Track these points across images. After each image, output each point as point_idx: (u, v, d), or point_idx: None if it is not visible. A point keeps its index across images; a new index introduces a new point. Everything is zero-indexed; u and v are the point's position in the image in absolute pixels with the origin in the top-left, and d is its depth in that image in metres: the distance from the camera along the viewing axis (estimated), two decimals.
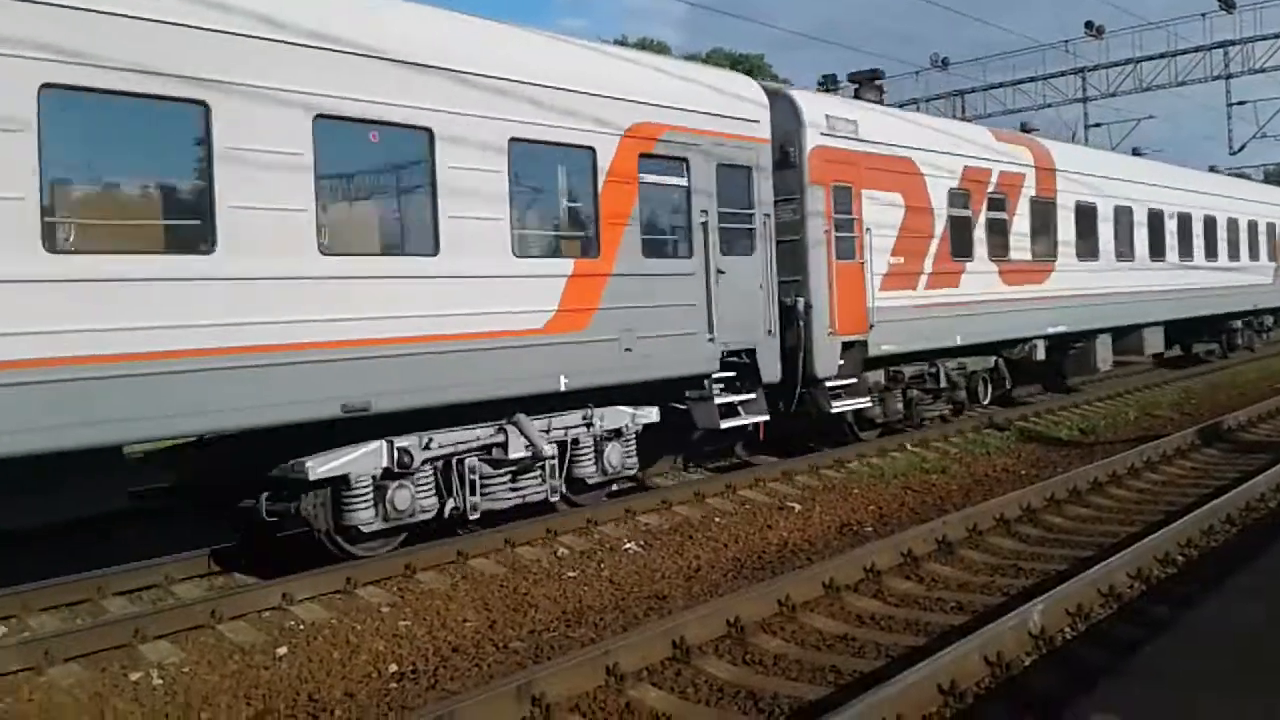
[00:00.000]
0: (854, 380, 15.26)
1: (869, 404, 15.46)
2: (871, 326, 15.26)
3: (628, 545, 10.71)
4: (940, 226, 16.93)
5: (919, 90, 41.50)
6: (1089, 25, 38.25)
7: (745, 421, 13.23)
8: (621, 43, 50.29)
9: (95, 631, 8.00)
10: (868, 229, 15.25)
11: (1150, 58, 38.83)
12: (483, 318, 10.10)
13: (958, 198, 17.44)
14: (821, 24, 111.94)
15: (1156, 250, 24.17)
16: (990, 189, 18.22)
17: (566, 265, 11.06)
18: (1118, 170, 22.98)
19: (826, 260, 14.56)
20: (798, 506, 12.38)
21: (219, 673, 7.53)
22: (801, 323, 14.26)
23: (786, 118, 14.41)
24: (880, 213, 15.57)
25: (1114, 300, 21.94)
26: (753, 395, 13.47)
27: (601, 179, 11.37)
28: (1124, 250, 22.76)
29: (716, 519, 11.75)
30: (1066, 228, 20.46)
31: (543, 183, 11.18)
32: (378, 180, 9.88)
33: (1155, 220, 24.16)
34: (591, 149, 11.30)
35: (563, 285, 10.94)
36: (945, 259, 17.00)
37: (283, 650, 7.92)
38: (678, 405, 13.03)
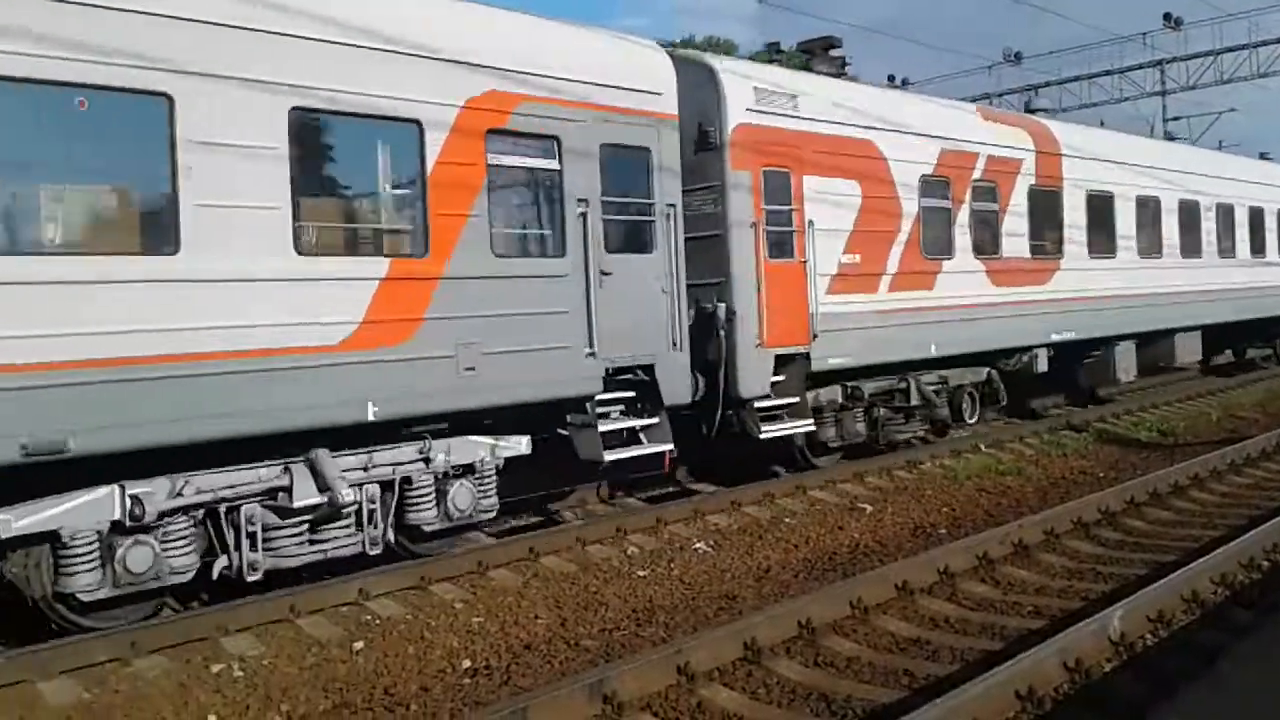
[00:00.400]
0: (794, 400, 12.98)
1: (811, 427, 13.16)
2: (815, 336, 12.99)
3: (697, 545, 10.66)
4: (910, 220, 14.59)
5: (990, 85, 40.70)
6: (1167, 17, 36.43)
7: (639, 452, 11.05)
8: (688, 42, 47.87)
9: (180, 624, 8.08)
10: (811, 222, 12.98)
11: (1231, 49, 36.98)
12: (245, 331, 8.07)
13: (933, 186, 15.08)
14: (892, 18, 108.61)
15: (1191, 246, 21.45)
16: (976, 176, 15.81)
17: (378, 266, 8.98)
18: (1141, 156, 20.34)
19: (755, 259, 12.34)
20: (869, 508, 12.25)
21: (298, 665, 7.65)
22: (722, 333, 12.06)
23: (704, 91, 12.23)
24: (829, 203, 13.30)
25: (1137, 302, 19.35)
26: (655, 420, 11.29)
27: (431, 160, 9.29)
28: (1149, 246, 20.13)
29: (786, 519, 11.65)
30: (1075, 221, 17.93)
31: (342, 164, 9.14)
32: (86, 160, 7.83)
33: (1189, 212, 21.45)
34: (416, 123, 9.23)
35: (372, 290, 8.87)
36: (916, 257, 14.65)
37: (359, 645, 8.02)
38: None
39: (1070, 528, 10.43)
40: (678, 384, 11.36)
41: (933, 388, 15.37)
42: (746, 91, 12.40)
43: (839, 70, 15.09)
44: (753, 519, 11.62)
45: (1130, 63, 38.96)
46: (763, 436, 12.47)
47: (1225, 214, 22.74)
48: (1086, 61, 39.67)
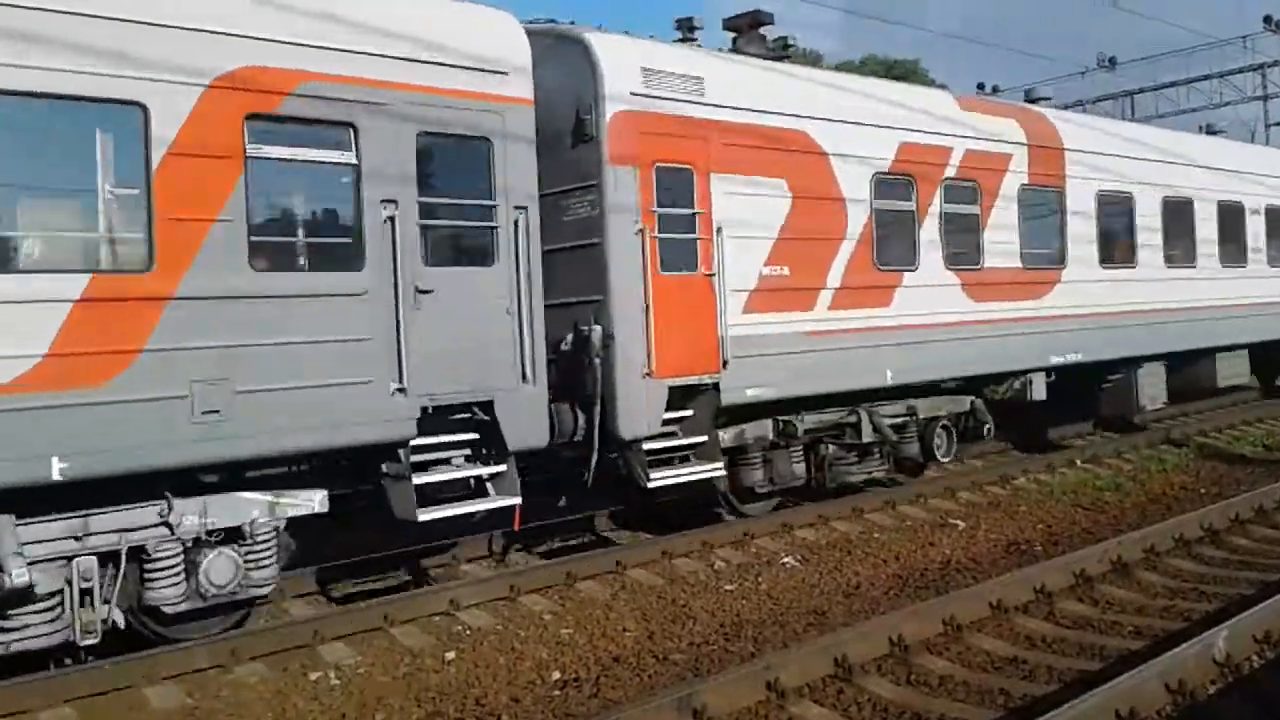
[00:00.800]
0: (699, 440, 10.89)
1: (718, 472, 11.03)
2: (726, 364, 10.88)
3: (785, 560, 10.60)
4: (859, 224, 12.40)
5: (1084, 91, 38.99)
6: (1268, 20, 34.68)
7: (467, 509, 9.07)
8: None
9: (278, 632, 8.29)
10: (720, 228, 10.89)
11: None
12: None
13: (891, 186, 12.87)
14: (983, 24, 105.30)
15: (1234, 254, 18.83)
16: (949, 174, 13.54)
17: (71, 284, 7.11)
18: (1170, 151, 17.79)
19: (641, 271, 10.29)
20: (961, 523, 12.09)
21: (391, 674, 7.79)
22: (597, 361, 10.01)
23: (580, 71, 10.23)
24: (746, 206, 11.21)
25: (1165, 318, 16.87)
26: (502, 467, 9.30)
27: (158, 153, 7.43)
28: (1181, 254, 17.60)
29: (876, 535, 11.59)
30: (1081, 226, 15.52)
31: (29, 158, 7.28)
32: None
33: (1231, 216, 18.83)
34: (139, 106, 7.36)
35: (61, 315, 7.02)
36: (867, 268, 12.45)
37: (451, 655, 8.12)
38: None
39: (1172, 545, 10.17)
40: (528, 424, 9.35)
41: (896, 420, 13.14)
42: (631, 72, 10.35)
43: (774, 51, 12.93)
44: (841, 534, 11.59)
45: (1230, 67, 37.31)
46: (650, 485, 10.40)
47: (1275, 218, 20.01)
48: (1184, 66, 37.96)
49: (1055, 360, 14.90)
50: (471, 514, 9.10)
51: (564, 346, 10.25)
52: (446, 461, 9.31)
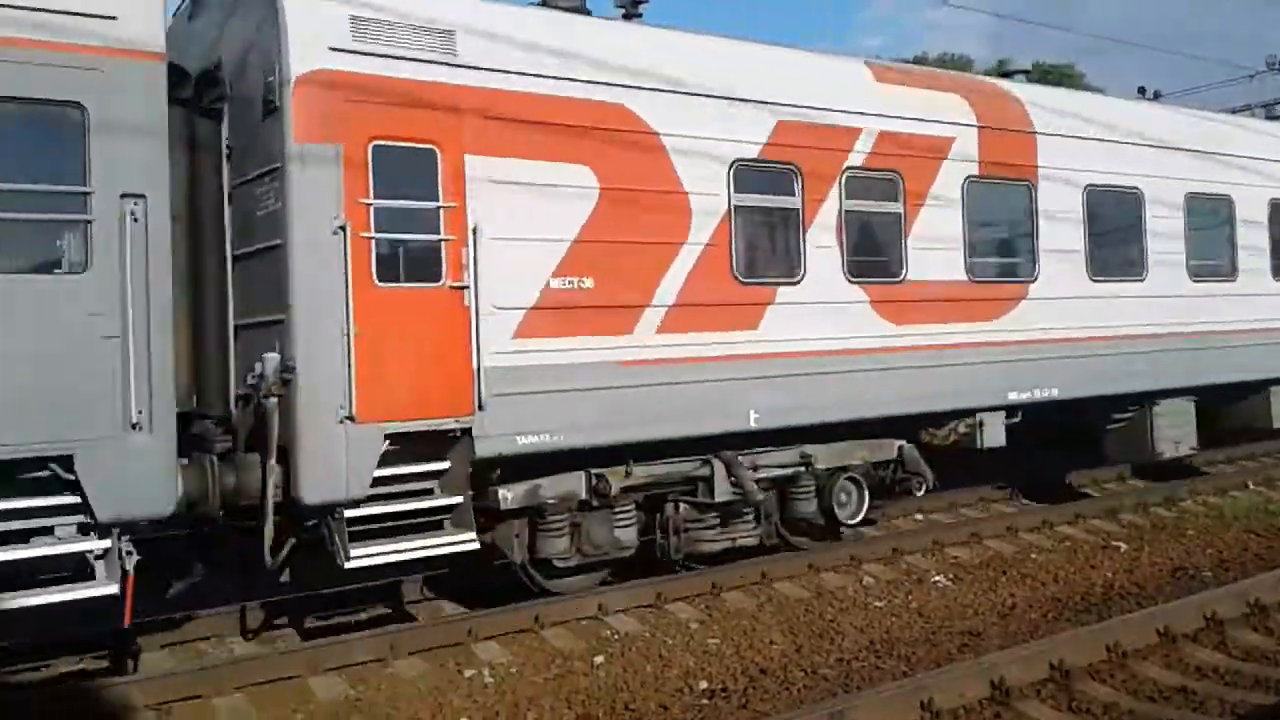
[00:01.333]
0: (452, 501, 8.37)
1: (469, 544, 8.43)
2: (483, 405, 8.30)
3: (936, 578, 10.45)
4: (709, 226, 9.69)
5: (1252, 95, 34.17)
6: None
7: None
8: (921, 60, 45.13)
9: (434, 629, 8.64)
10: (477, 228, 8.35)
11: None
12: None
13: (761, 177, 10.13)
14: (1144, 26, 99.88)
15: None
16: (854, 163, 10.69)
17: None
18: (1199, 135, 14.40)
19: (343, 281, 7.83)
20: (1124, 546, 11.77)
21: (542, 676, 7.90)
22: (271, 400, 7.57)
23: (264, 20, 7.87)
24: (525, 199, 8.68)
25: (1191, 343, 13.58)
26: (105, 543, 6.95)
27: None
28: (1214, 263, 14.26)
29: (1033, 555, 11.34)
30: (1062, 228, 12.39)
31: None
32: None
33: None
34: None
35: None
36: (721, 281, 9.74)
37: (600, 659, 8.23)
38: None
39: None
40: (135, 486, 6.96)
41: (781, 472, 10.36)
42: (331, 20, 7.90)
43: (627, 9, 10.28)
44: (995, 553, 11.37)
45: None
46: (349, 565, 7.85)
47: None
48: None
49: (1017, 397, 11.82)
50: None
51: (250, 379, 7.86)
52: (44, 532, 6.98)
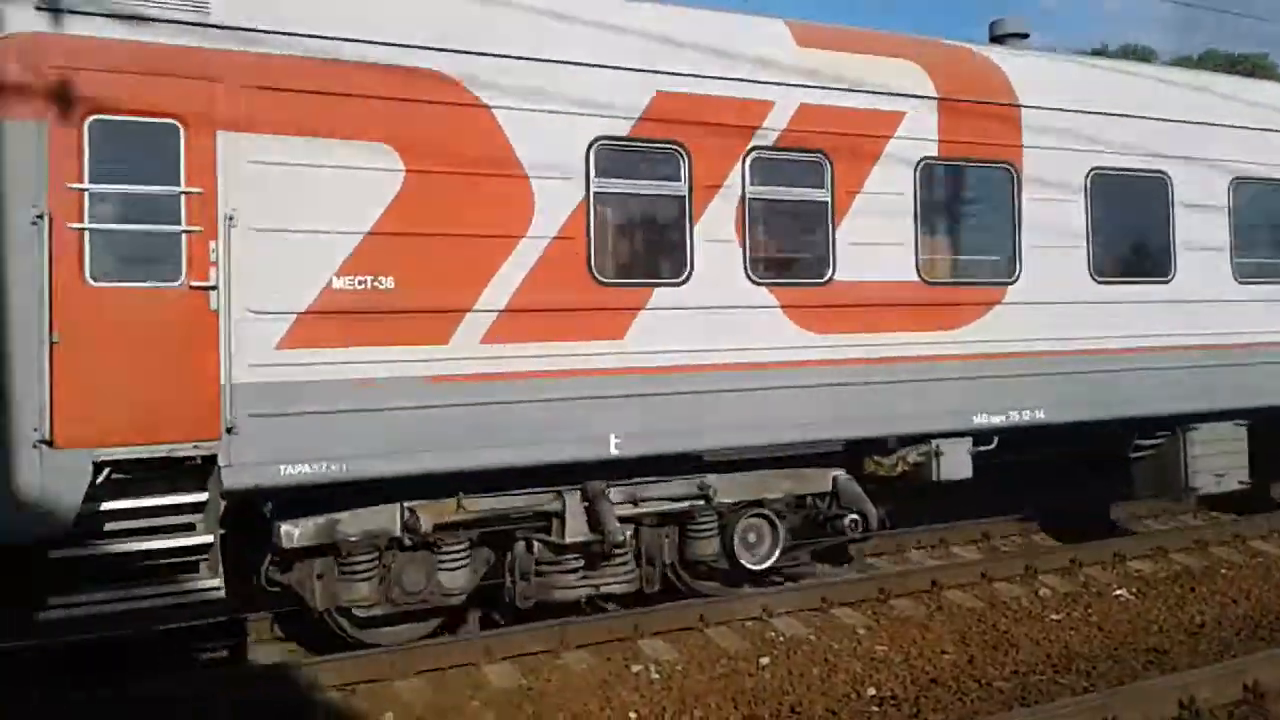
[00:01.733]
0: (203, 542, 7.12)
1: (213, 592, 7.14)
2: (232, 428, 7.01)
3: (1118, 592, 10.15)
4: (559, 215, 8.33)
5: None
6: None
7: None
8: (1100, 51, 45.98)
9: (602, 624, 8.67)
10: (232, 217, 7.11)
11: None
12: None
13: (633, 157, 8.62)
14: None
15: None
16: (762, 141, 9.05)
17: None
18: (1242, 110, 12.01)
19: (42, 281, 6.71)
20: None
21: (708, 674, 7.97)
22: None
23: None
24: (301, 183, 7.45)
25: (1234, 359, 11.36)
26: None
27: None
28: (1266, 262, 11.95)
29: (1223, 571, 10.94)
30: (1055, 218, 10.47)
31: None
32: None
33: None
34: None
35: None
36: (575, 282, 8.34)
37: (765, 660, 8.21)
38: None
39: None
40: None
41: (671, 506, 8.81)
42: None
43: None
44: (1182, 567, 11.04)
45: None
46: (41, 617, 6.65)
47: None
48: None
49: (985, 421, 9.92)
50: None
51: None
52: None
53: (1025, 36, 11.41)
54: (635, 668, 8.01)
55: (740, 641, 8.58)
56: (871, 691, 7.62)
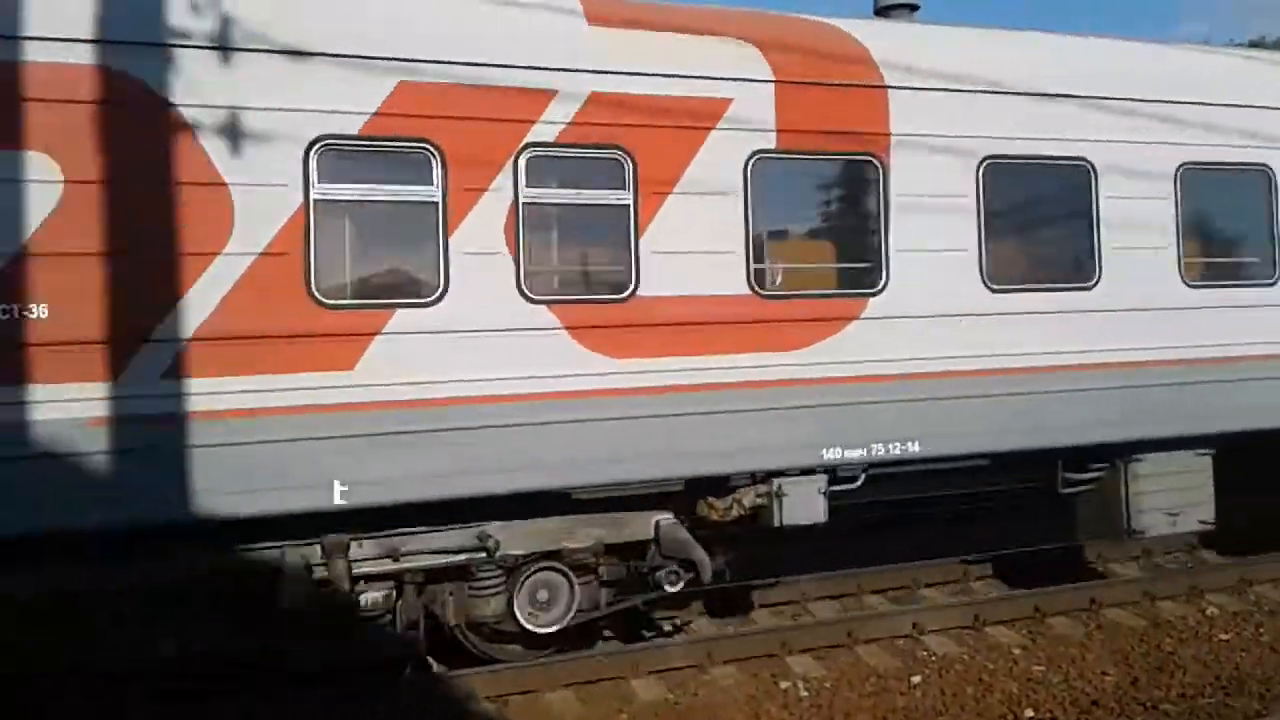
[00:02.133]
0: None
1: None
2: None
3: None
4: (265, 228, 7.14)
5: None
6: None
7: None
8: (1257, 43, 43.11)
9: (749, 639, 8.78)
10: None
11: None
12: None
13: (363, 160, 7.45)
14: None
15: None
16: (540, 137, 7.75)
17: None
18: (1196, 82, 10.22)
19: None
20: None
21: (858, 692, 7.83)
22: None
23: None
24: None
25: (1173, 376, 9.67)
26: None
27: None
28: (1224, 261, 10.22)
29: None
30: (934, 219, 8.86)
31: None
32: None
33: None
34: None
35: None
36: (286, 304, 7.13)
37: (916, 679, 8.08)
38: None
39: None
40: None
41: (439, 560, 7.65)
42: None
43: None
44: None
45: None
46: None
47: None
48: None
49: (838, 456, 8.41)
50: None
51: None
52: None
53: (915, 9, 9.86)
54: (784, 684, 8.00)
55: (890, 659, 8.49)
56: (1029, 713, 7.51)
